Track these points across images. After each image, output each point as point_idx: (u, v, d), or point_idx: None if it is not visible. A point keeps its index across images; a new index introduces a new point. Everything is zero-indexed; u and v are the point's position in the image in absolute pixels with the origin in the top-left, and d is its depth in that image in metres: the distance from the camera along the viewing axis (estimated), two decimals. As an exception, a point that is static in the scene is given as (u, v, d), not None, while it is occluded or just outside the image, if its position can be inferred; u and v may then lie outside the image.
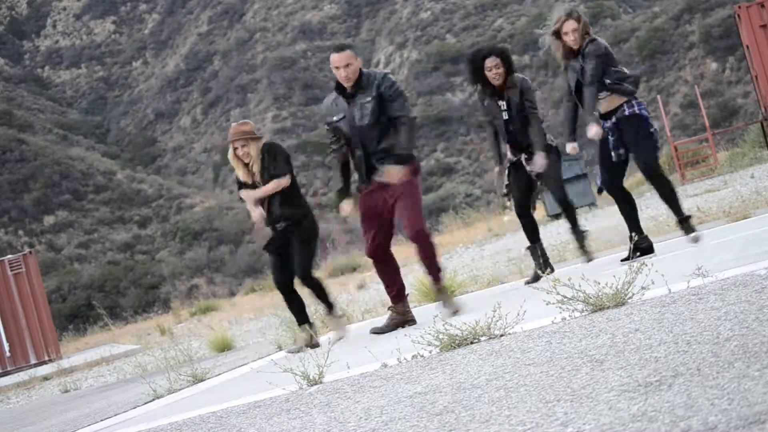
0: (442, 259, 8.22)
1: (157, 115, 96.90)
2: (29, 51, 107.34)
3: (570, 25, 7.27)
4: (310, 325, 7.49)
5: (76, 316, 51.54)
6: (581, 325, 4.15)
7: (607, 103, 7.43)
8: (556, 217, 24.31)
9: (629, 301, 4.48)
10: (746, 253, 5.56)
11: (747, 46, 22.54)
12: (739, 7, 22.12)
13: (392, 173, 6.54)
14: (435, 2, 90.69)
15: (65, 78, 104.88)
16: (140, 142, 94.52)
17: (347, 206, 6.90)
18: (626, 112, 7.41)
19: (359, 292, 16.82)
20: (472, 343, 4.54)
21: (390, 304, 7.10)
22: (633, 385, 2.75)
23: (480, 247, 19.78)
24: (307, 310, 7.73)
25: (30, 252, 20.23)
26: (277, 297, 16.62)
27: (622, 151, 7.56)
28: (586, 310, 4.48)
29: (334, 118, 6.73)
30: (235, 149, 7.37)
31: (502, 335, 4.53)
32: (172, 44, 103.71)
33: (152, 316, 30.60)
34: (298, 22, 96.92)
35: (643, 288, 4.51)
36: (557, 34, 7.35)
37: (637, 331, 3.61)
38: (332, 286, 19.89)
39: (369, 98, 6.60)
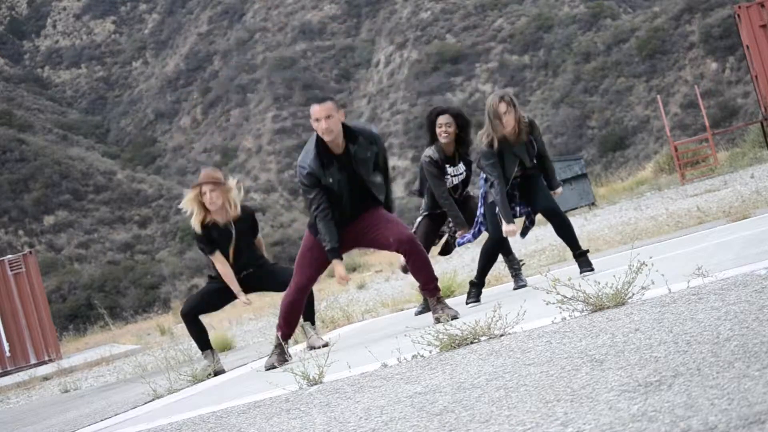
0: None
1: (157, 115, 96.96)
2: (29, 51, 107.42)
3: (503, 108, 7.13)
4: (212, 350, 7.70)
5: (76, 316, 51.58)
6: (581, 325, 4.15)
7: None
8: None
9: (629, 301, 4.48)
10: (746, 253, 5.57)
11: (747, 46, 22.55)
12: (739, 7, 22.14)
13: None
14: (435, 2, 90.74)
15: (65, 78, 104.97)
16: (140, 142, 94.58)
17: (344, 271, 6.52)
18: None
19: (359, 292, 16.83)
20: (472, 343, 4.54)
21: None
22: (633, 385, 2.75)
23: (480, 247, 19.74)
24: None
25: (30, 252, 20.23)
26: (277, 297, 16.64)
27: (525, 208, 7.52)
28: (586, 310, 4.48)
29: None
30: (203, 193, 7.38)
31: (502, 335, 4.53)
32: (172, 44, 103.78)
33: (152, 316, 30.63)
34: (298, 22, 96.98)
35: (643, 288, 4.51)
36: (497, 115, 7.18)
37: (637, 331, 3.61)
38: (332, 286, 19.92)
39: (369, 154, 6.39)
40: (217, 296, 7.68)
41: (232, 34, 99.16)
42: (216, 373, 7.44)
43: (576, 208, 25.39)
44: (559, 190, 7.58)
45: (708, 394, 2.45)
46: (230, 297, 7.72)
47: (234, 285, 7.56)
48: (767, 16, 21.44)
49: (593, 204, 25.25)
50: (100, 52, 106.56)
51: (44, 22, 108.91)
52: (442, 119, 7.87)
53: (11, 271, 19.37)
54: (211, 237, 7.50)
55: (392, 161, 76.10)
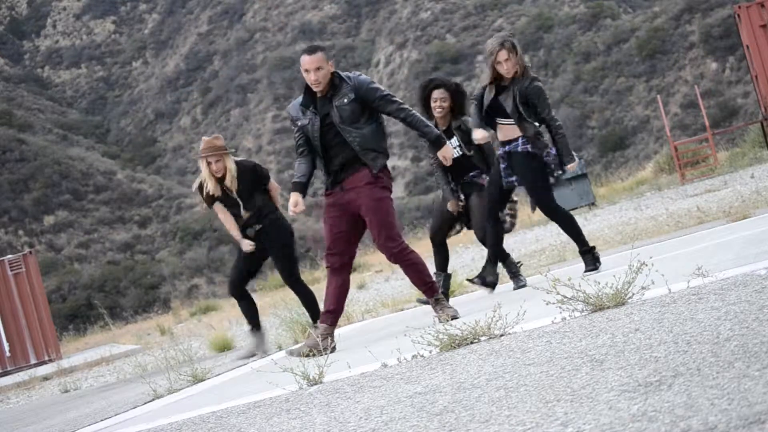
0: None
1: (157, 115, 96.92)
2: (29, 51, 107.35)
3: (503, 55, 7.08)
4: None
5: (76, 316, 51.54)
6: (581, 325, 4.15)
7: (509, 130, 7.28)
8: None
9: (629, 301, 4.48)
10: (746, 253, 5.57)
11: (747, 46, 22.54)
12: (739, 7, 22.12)
13: (447, 151, 6.54)
14: (435, 2, 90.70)
15: (65, 78, 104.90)
16: (140, 142, 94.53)
17: (293, 202, 6.41)
18: (519, 148, 7.25)
19: (359, 292, 16.83)
20: (472, 343, 4.54)
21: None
22: (633, 385, 2.75)
23: (480, 247, 19.77)
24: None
25: (30, 252, 20.21)
26: (277, 296, 16.66)
27: (513, 178, 7.35)
28: (586, 310, 4.48)
29: (299, 123, 6.44)
30: (208, 164, 7.65)
31: (502, 335, 4.53)
32: (172, 44, 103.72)
33: (152, 316, 30.59)
34: (298, 22, 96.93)
35: (643, 288, 4.51)
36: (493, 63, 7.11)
37: (637, 331, 3.61)
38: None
39: (346, 100, 6.31)
40: (250, 259, 7.91)
41: (232, 34, 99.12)
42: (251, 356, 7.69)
43: (576, 208, 25.38)
44: (571, 165, 7.23)
45: (708, 394, 2.45)
46: (262, 256, 7.93)
47: (235, 232, 7.81)
48: (767, 16, 21.43)
49: (593, 204, 25.23)
50: (100, 52, 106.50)
51: (44, 22, 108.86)
52: (438, 94, 7.80)
53: (11, 271, 19.36)
54: (214, 197, 7.82)
55: (392, 161, 76.10)
